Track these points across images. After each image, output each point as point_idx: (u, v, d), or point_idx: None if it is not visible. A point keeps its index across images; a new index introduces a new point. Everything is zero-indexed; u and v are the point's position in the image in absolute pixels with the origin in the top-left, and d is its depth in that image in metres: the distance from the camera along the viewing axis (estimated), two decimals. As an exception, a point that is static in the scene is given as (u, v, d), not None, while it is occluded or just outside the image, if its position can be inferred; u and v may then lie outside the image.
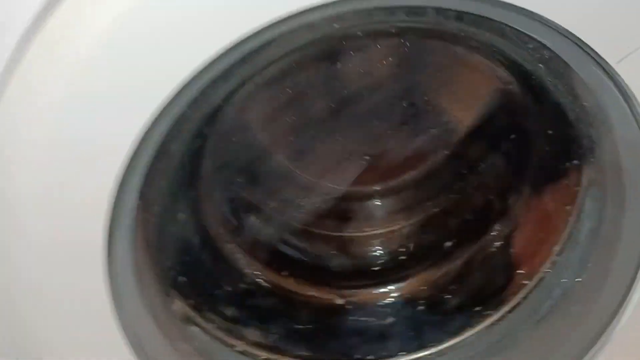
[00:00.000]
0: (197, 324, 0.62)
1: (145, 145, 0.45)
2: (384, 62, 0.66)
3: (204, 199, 0.68)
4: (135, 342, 0.52)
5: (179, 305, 0.61)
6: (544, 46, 0.51)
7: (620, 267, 0.60)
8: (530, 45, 0.52)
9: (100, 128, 0.43)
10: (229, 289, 0.69)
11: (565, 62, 0.52)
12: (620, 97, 0.52)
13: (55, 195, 0.45)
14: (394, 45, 0.65)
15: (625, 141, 0.56)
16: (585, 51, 0.49)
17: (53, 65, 0.41)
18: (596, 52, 0.49)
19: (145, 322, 0.54)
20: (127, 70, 0.42)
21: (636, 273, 0.59)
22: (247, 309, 0.68)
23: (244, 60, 0.45)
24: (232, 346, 0.65)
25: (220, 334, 0.64)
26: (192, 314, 0.62)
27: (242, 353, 0.66)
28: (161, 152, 0.48)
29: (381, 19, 0.49)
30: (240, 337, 0.66)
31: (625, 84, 0.50)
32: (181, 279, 0.62)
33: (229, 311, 0.66)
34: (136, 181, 0.47)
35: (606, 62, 0.49)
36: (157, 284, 0.57)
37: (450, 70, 0.67)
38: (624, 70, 0.49)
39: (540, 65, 0.54)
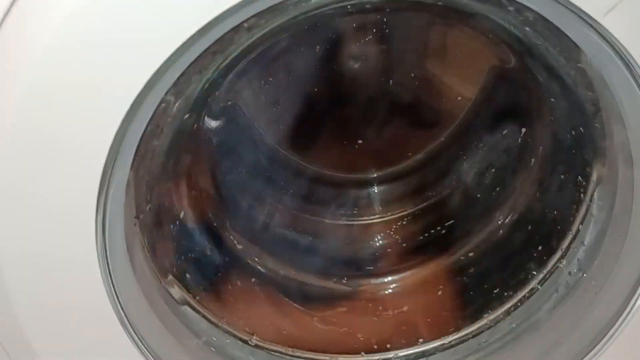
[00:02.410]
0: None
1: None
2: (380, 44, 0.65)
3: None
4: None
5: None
6: (526, 7, 0.49)
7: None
8: (511, 8, 0.50)
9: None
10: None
11: (550, 22, 0.49)
12: (612, 53, 0.49)
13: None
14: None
15: (627, 100, 0.53)
16: (569, 8, 0.47)
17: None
18: (579, 8, 0.46)
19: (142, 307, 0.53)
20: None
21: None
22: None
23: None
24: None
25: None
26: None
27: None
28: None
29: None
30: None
31: (615, 38, 0.48)
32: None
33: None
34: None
35: (591, 17, 0.47)
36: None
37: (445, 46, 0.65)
38: (611, 24, 0.47)
39: (527, 28, 0.52)
